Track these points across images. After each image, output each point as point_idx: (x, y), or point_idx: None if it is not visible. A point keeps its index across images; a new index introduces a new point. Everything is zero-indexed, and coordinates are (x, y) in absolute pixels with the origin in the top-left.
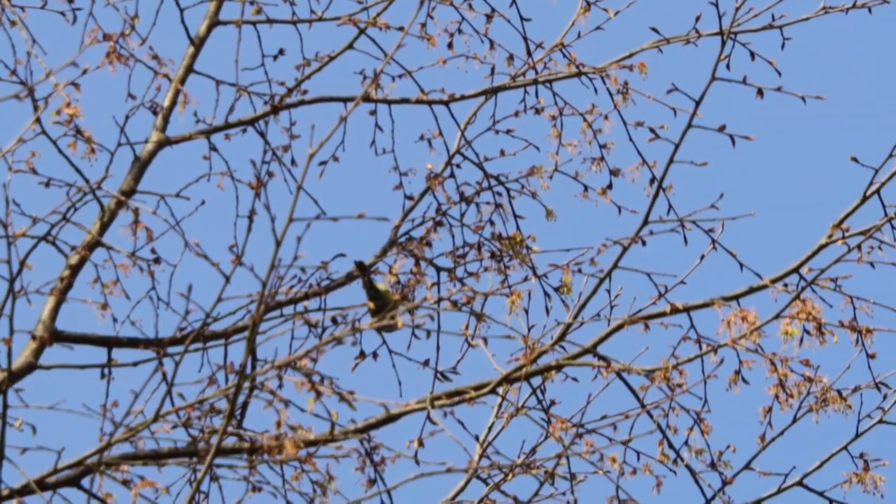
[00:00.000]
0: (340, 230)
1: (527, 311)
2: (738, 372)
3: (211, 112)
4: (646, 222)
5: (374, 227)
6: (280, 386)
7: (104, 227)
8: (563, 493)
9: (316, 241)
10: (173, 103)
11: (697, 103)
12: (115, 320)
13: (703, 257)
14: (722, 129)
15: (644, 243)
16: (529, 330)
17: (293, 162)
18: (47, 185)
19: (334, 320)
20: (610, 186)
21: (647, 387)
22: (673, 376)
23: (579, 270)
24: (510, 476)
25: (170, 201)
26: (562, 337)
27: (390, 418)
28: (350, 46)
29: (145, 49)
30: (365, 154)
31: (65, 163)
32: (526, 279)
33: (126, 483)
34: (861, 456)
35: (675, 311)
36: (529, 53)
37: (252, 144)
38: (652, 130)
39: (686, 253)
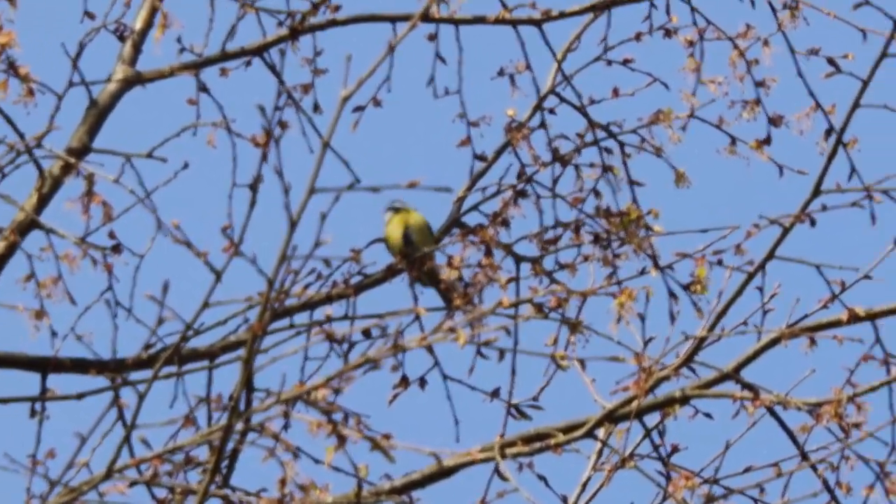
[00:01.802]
0: (381, 205)
1: (643, 319)
2: None
3: (201, 38)
4: (817, 192)
5: (429, 199)
6: (286, 427)
7: (43, 202)
8: None
9: (346, 221)
10: (148, 25)
11: None
12: (53, 334)
13: None
14: None
15: (814, 222)
16: (646, 345)
17: (316, 108)
18: None
19: (367, 333)
20: (768, 140)
21: (810, 427)
22: (848, 412)
23: (719, 262)
24: None
25: (138, 164)
26: (691, 356)
27: (443, 473)
28: None
29: None
30: (420, 96)
31: None
32: (643, 273)
33: None
34: None
35: (854, 318)
36: None
37: (259, 83)
38: (831, 62)
39: (873, 236)
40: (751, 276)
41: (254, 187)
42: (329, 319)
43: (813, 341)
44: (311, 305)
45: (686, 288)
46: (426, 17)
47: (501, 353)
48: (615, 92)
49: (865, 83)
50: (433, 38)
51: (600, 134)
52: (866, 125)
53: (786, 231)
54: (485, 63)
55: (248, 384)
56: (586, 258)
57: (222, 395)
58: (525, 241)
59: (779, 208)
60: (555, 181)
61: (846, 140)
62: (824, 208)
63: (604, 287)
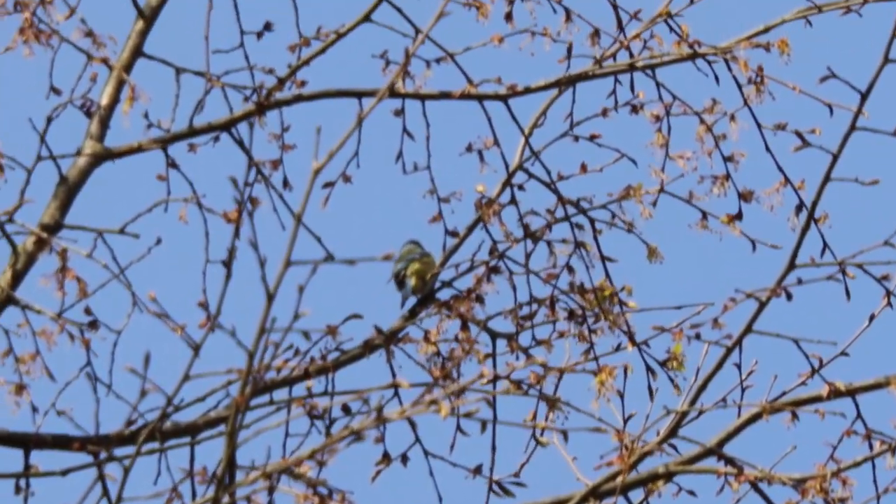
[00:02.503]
0: (355, 280)
1: (622, 396)
2: None
3: (169, 113)
4: (791, 266)
5: None
6: (271, 503)
7: (17, 278)
8: None
9: (320, 296)
10: (115, 101)
11: (864, 96)
12: (34, 410)
13: (873, 318)
14: None
15: (790, 296)
16: (626, 422)
17: (286, 183)
18: None
19: (347, 409)
20: (739, 216)
21: (796, 503)
22: (833, 487)
23: (697, 336)
24: None
25: (111, 239)
26: (673, 431)
27: None
28: (367, 18)
29: (75, 23)
30: (389, 172)
31: None
32: (619, 349)
33: None
34: None
35: (835, 393)
36: (621, 27)
37: (228, 159)
38: (799, 136)
39: (850, 311)
40: (730, 350)
41: (228, 263)
42: (310, 394)
43: (795, 416)
44: (290, 381)
45: (663, 364)
46: (392, 93)
47: (484, 424)
48: (584, 167)
49: (836, 156)
50: (399, 113)
51: (571, 210)
52: (837, 198)
53: (762, 305)
54: (453, 138)
55: (231, 458)
56: (562, 334)
57: (206, 469)
58: (500, 318)
59: (752, 283)
60: (527, 257)
61: (818, 216)
62: (800, 282)
63: (581, 363)
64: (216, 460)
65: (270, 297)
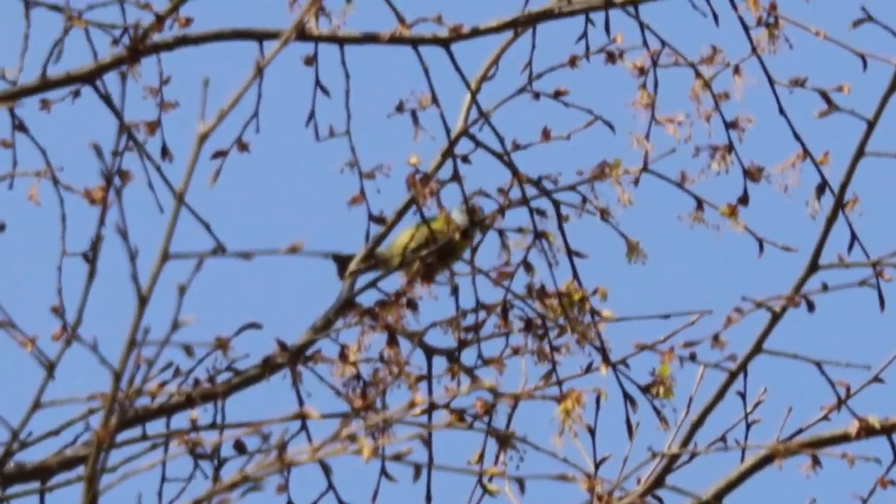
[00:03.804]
0: (252, 278)
1: (592, 432)
2: None
3: (15, 60)
4: (814, 268)
5: (314, 271)
6: None
7: None
8: None
9: (208, 300)
10: None
11: None
12: None
13: None
14: None
15: (811, 306)
16: (598, 466)
17: (165, 152)
18: None
19: (240, 446)
20: (744, 200)
21: None
22: None
23: (691, 357)
24: None
25: None
26: (659, 479)
27: None
28: None
29: None
30: (298, 138)
31: None
32: (589, 370)
33: None
34: None
35: (866, 431)
36: None
37: (92, 119)
38: (823, 95)
39: (885, 324)
40: (733, 376)
41: (91, 255)
42: (194, 427)
43: (816, 460)
44: (167, 410)
45: (646, 391)
46: (302, 34)
47: (418, 469)
48: (546, 134)
49: (871, 124)
50: (311, 61)
51: (530, 190)
52: (872, 178)
53: (776, 317)
54: (379, 95)
55: None
56: (516, 351)
57: None
58: (438, 329)
59: (763, 289)
60: (473, 251)
61: (846, 199)
62: (825, 288)
63: (541, 388)
64: None
65: (143, 300)
